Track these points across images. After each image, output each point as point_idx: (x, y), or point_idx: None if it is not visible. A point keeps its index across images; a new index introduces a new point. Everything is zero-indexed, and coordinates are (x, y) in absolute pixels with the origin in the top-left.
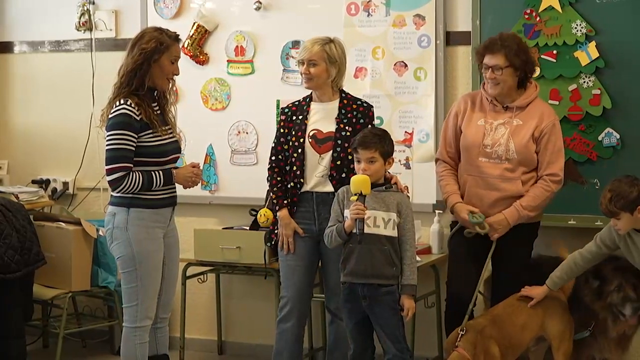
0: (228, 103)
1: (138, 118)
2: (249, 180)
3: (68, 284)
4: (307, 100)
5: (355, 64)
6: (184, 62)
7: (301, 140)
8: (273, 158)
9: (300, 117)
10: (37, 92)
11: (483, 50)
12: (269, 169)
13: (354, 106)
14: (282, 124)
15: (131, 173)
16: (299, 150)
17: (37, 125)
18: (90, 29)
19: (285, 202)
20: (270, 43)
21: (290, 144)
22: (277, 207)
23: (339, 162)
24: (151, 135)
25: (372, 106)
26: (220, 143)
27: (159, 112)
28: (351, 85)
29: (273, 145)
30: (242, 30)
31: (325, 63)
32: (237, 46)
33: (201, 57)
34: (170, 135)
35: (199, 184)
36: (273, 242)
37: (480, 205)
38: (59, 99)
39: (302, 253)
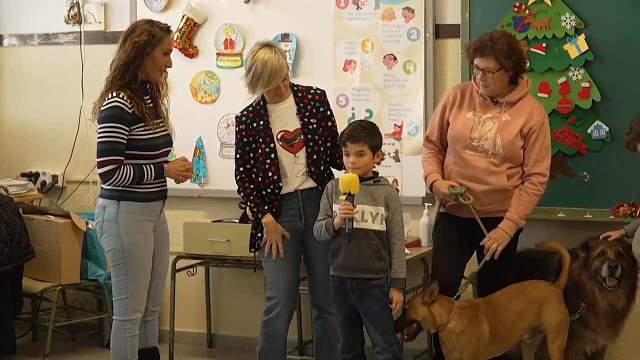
0: (217, 96)
1: (130, 111)
2: None
3: (57, 277)
4: (262, 103)
5: (344, 57)
6: (173, 55)
7: (272, 145)
8: (241, 169)
9: (261, 122)
10: (26, 85)
11: (473, 53)
12: (238, 181)
13: (309, 97)
14: (243, 133)
15: (122, 166)
16: (272, 156)
17: (26, 118)
18: (80, 22)
19: (266, 207)
20: (259, 36)
21: (260, 151)
22: (259, 215)
23: (315, 157)
24: (143, 128)
25: (324, 91)
26: (210, 136)
27: (151, 104)
28: (341, 79)
29: (238, 156)
30: (232, 23)
31: (288, 69)
32: (226, 39)
33: (190, 50)
34: (162, 129)
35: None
36: (256, 247)
37: None
38: (48, 92)
39: (288, 253)
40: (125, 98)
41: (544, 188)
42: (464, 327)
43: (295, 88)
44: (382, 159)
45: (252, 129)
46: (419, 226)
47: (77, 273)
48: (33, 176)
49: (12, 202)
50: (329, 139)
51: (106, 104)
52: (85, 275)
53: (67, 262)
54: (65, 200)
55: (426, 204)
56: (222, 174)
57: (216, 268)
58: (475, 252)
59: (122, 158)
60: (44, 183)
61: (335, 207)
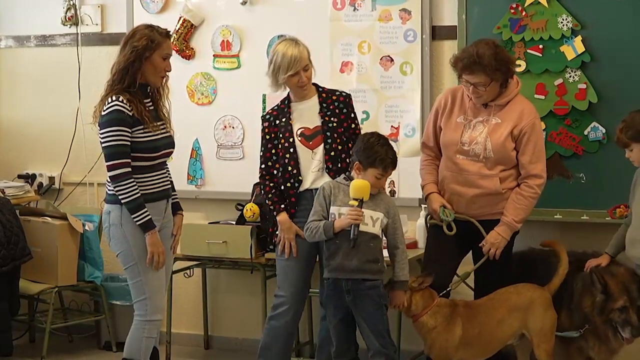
0: (214, 98)
1: (130, 114)
2: (235, 175)
3: (54, 279)
4: (286, 102)
5: (341, 59)
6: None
7: (290, 140)
8: (263, 166)
9: (283, 119)
10: (23, 86)
11: (461, 70)
12: (260, 177)
13: (334, 97)
14: (266, 130)
15: (136, 184)
16: (291, 150)
17: (23, 119)
18: (76, 24)
19: (282, 206)
20: (256, 37)
21: (280, 146)
22: (275, 213)
23: (332, 154)
24: (143, 130)
25: (350, 95)
26: (206, 137)
27: (151, 107)
28: (337, 80)
29: (261, 154)
30: (228, 24)
31: (311, 62)
32: (223, 41)
33: (187, 51)
34: (163, 131)
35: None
36: (272, 245)
37: (460, 202)
38: (45, 94)
39: (301, 253)
40: (124, 101)
41: (541, 190)
42: (436, 324)
43: (320, 89)
44: None
45: (274, 126)
46: (415, 228)
47: (74, 275)
48: (30, 178)
49: (9, 204)
50: (350, 141)
51: (106, 109)
52: (82, 276)
53: (64, 263)
54: (62, 202)
55: (423, 206)
56: (219, 175)
57: (213, 269)
58: (471, 252)
59: (129, 160)
60: (40, 185)
61: (333, 209)
